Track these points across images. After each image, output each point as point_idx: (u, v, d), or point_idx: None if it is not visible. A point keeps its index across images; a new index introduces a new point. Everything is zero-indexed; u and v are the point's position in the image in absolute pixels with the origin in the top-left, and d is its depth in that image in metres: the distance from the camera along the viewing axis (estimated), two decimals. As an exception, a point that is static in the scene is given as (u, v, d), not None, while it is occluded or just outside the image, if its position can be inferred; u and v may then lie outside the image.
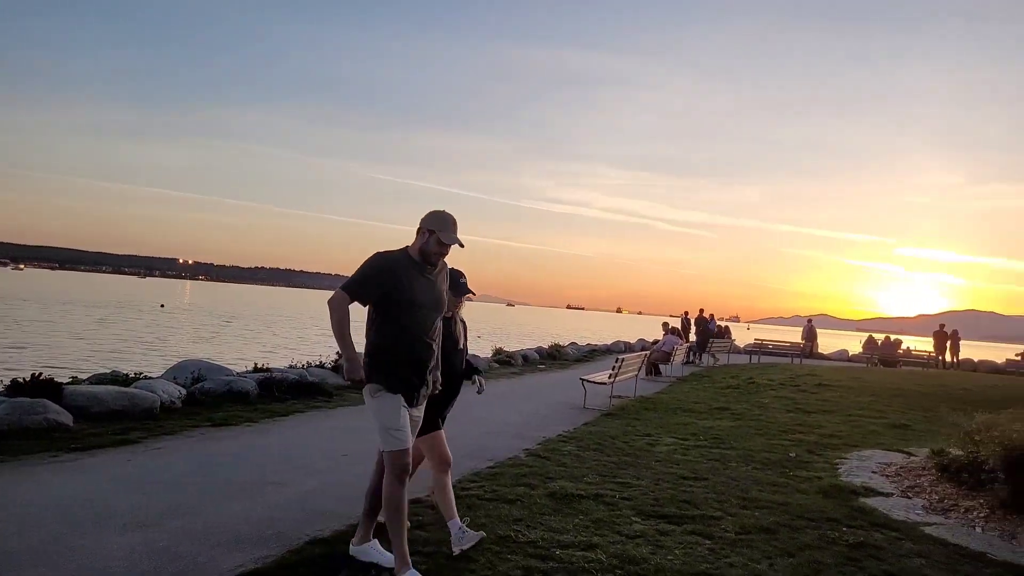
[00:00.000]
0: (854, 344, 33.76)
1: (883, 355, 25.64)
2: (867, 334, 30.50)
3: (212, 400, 8.46)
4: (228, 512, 4.49)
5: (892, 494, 6.01)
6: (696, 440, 8.07)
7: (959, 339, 27.08)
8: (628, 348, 26.04)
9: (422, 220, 3.59)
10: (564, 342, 23.89)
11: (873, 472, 6.83)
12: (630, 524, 4.63)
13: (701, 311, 24.74)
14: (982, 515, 5.29)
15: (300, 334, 33.99)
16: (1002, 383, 17.81)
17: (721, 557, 4.10)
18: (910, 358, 26.51)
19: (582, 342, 27.09)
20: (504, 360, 16.92)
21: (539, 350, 20.12)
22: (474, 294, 4.26)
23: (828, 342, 37.78)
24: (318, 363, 11.61)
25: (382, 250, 3.58)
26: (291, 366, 11.26)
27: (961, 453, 6.13)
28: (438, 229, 3.52)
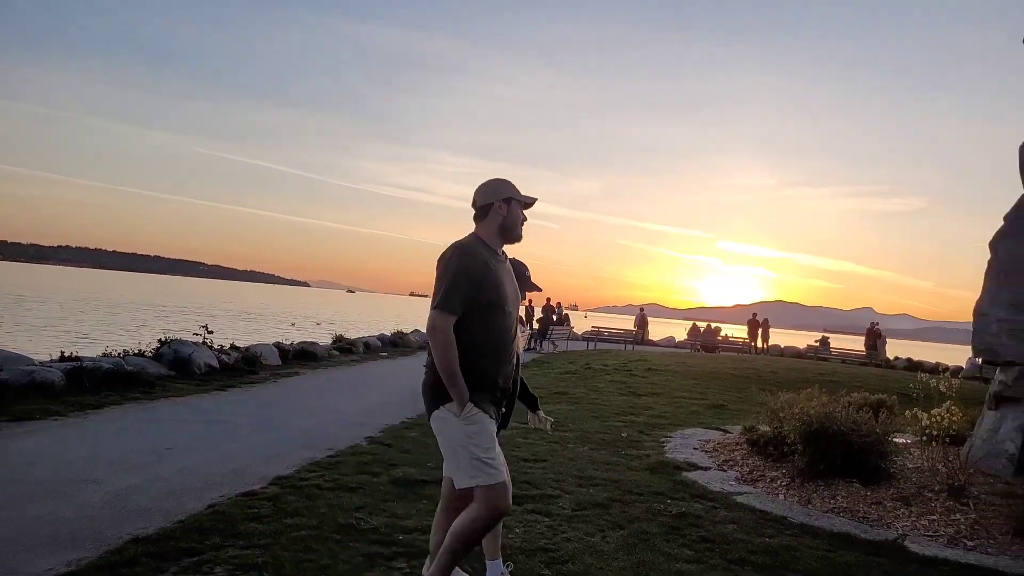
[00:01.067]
0: (680, 331, 36.60)
1: (704, 342, 28.09)
2: (691, 322, 33.21)
3: (11, 393, 7.54)
4: (38, 512, 4.06)
5: (710, 468, 6.64)
6: (536, 424, 8.40)
7: (769, 327, 30.27)
8: (472, 335, 26.47)
9: (488, 194, 3.06)
10: (407, 329, 23.80)
11: (694, 448, 7.51)
12: (473, 507, 4.76)
13: (548, 300, 25.69)
14: (784, 484, 6.01)
15: (114, 320, 31.02)
16: (803, 366, 20.16)
17: (559, 533, 4.33)
18: (728, 344, 29.27)
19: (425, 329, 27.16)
20: (345, 348, 16.56)
21: (382, 337, 19.90)
22: (540, 289, 3.68)
23: (657, 329, 40.67)
24: (137, 351, 10.70)
25: (456, 241, 3.04)
26: (105, 354, 10.29)
27: (768, 429, 6.91)
28: (514, 194, 3.05)
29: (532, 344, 22.69)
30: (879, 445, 5.92)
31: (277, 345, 13.81)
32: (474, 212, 3.12)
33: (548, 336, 23.07)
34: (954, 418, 6.56)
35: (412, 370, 13.23)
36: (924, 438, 6.95)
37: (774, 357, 26.99)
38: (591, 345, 25.07)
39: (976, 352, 6.84)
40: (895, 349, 40.27)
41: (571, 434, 7.87)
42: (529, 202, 3.11)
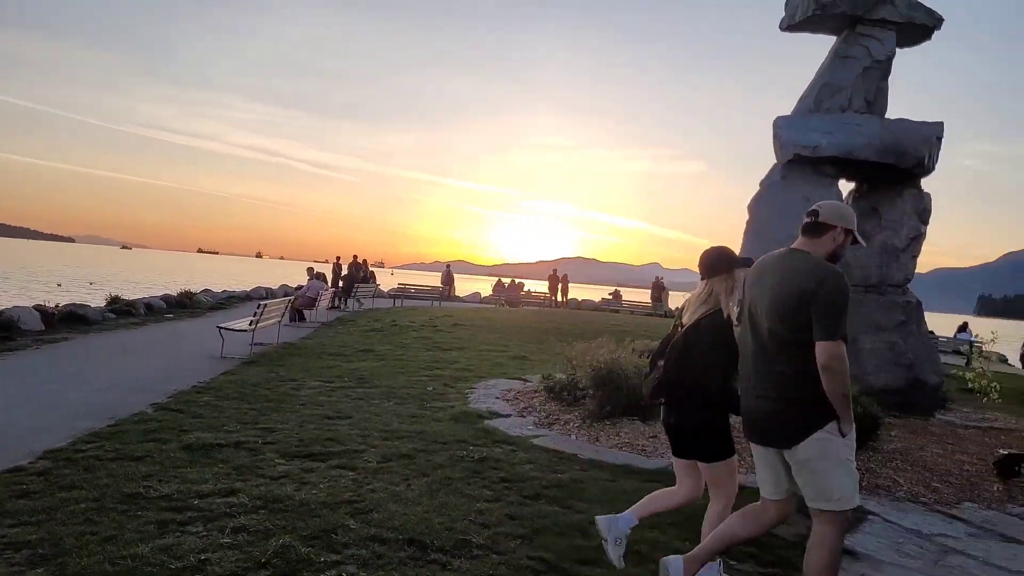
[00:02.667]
0: (485, 287, 37.78)
1: (508, 297, 29.28)
2: (496, 278, 34.38)
3: None
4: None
5: (510, 415, 7.10)
6: (341, 381, 8.39)
7: (568, 282, 32.24)
8: (270, 294, 25.32)
9: (835, 215, 2.95)
10: (196, 289, 22.19)
11: (496, 398, 7.95)
12: (274, 467, 4.73)
13: (355, 257, 25.18)
14: (577, 425, 6.60)
15: None
16: (597, 318, 21.82)
17: (364, 485, 4.45)
18: (530, 299, 30.76)
19: (217, 288, 25.47)
20: (123, 310, 15.10)
21: (166, 298, 18.39)
22: None
23: (464, 286, 41.64)
24: None
25: (826, 264, 2.90)
26: None
27: (564, 377, 7.50)
28: (854, 228, 2.97)
29: (337, 303, 22.25)
30: (656, 385, 6.69)
31: (38, 308, 12.28)
32: (806, 221, 3.02)
33: (353, 294, 22.74)
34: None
35: (202, 332, 12.46)
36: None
37: (572, 310, 28.87)
38: (398, 302, 25.12)
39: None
40: (677, 300, 44.84)
41: (377, 390, 7.96)
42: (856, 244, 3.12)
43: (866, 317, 7.97)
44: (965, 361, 16.63)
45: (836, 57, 8.18)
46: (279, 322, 12.55)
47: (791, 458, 2.94)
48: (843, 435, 2.85)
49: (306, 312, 17.21)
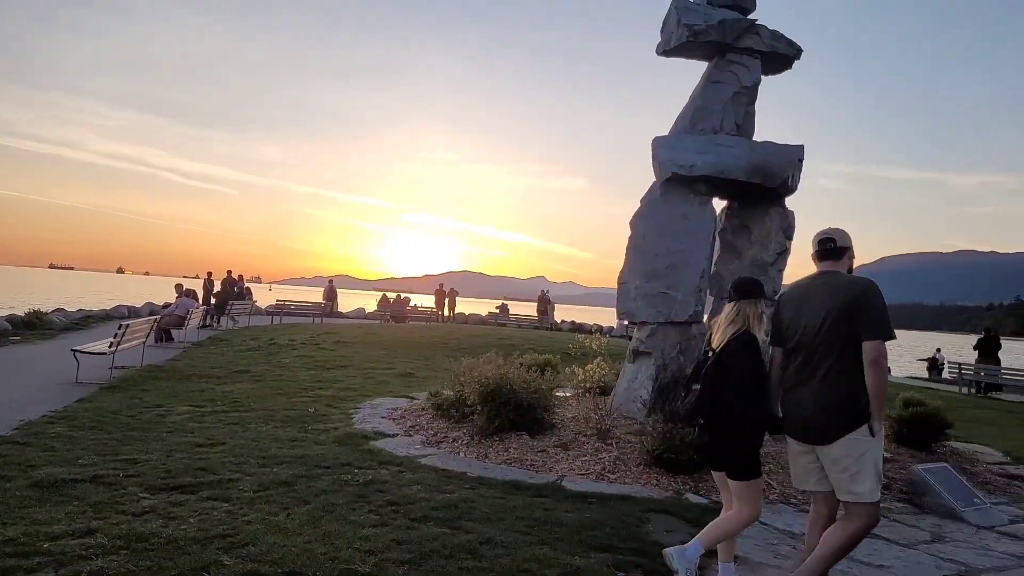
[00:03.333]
0: (370, 302, 37.07)
1: (394, 312, 28.85)
2: (381, 293, 33.84)
3: None
4: None
5: (397, 434, 6.96)
6: (213, 406, 7.93)
7: (455, 296, 32.21)
8: (133, 313, 23.67)
9: (847, 239, 3.61)
10: (48, 308, 20.39)
11: (383, 417, 7.78)
12: (137, 502, 4.38)
13: (229, 272, 23.97)
14: (465, 442, 6.56)
15: None
16: (485, 332, 21.89)
17: (239, 517, 4.21)
18: (417, 314, 30.45)
19: (72, 307, 23.54)
20: (-43, 331, 13.63)
21: (12, 318, 16.77)
22: None
23: (347, 301, 40.69)
24: None
25: (860, 276, 3.52)
26: None
27: (451, 393, 7.44)
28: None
29: (209, 321, 21.10)
30: (544, 400, 6.78)
31: None
32: (826, 247, 3.60)
33: (227, 312, 21.64)
34: (603, 372, 7.79)
35: (54, 356, 11.44)
36: (581, 391, 8.13)
37: (459, 325, 28.84)
38: (276, 320, 24.15)
39: (619, 315, 8.15)
40: (563, 313, 45.78)
41: (253, 413, 7.59)
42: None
43: (739, 328, 8.45)
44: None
45: (708, 82, 8.65)
46: (143, 343, 11.74)
47: (825, 454, 3.40)
48: (873, 434, 3.31)
49: (174, 332, 16.21)
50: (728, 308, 3.66)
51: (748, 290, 3.64)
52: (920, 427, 7.50)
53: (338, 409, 8.18)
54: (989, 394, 18.88)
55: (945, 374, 25.41)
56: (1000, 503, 6.14)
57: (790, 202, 8.90)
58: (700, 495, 5.50)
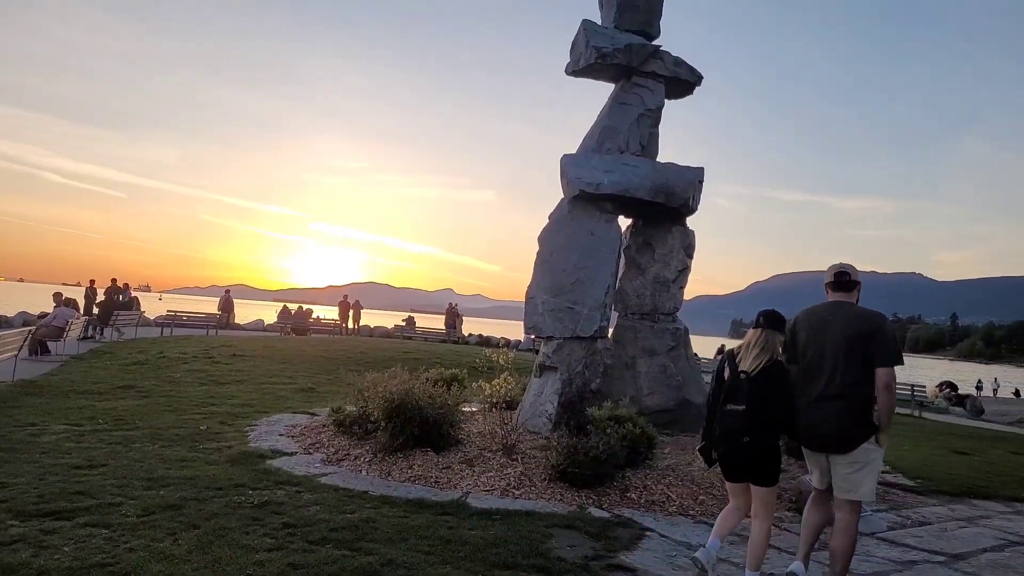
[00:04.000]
0: (270, 314, 35.84)
1: (295, 324, 28.02)
2: (282, 304, 32.79)
3: None
4: None
5: (296, 453, 6.73)
6: (94, 424, 7.44)
7: (360, 308, 31.61)
8: (5, 323, 21.92)
9: (855, 274, 4.20)
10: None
11: (280, 435, 7.51)
12: (6, 530, 4.04)
13: (114, 280, 22.59)
14: (367, 460, 6.42)
15: None
16: (391, 346, 21.59)
17: (120, 544, 3.95)
18: (319, 326, 29.69)
19: (-68, 315, 21.57)
20: None
21: None
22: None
23: (245, 312, 39.19)
24: None
25: (873, 310, 4.09)
26: None
27: (354, 409, 7.28)
28: None
29: (91, 332, 19.80)
30: (450, 415, 6.73)
31: None
32: (842, 279, 4.18)
33: (112, 323, 20.37)
34: (509, 387, 7.82)
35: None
36: (487, 405, 8.13)
37: (364, 338, 28.32)
38: (167, 331, 22.95)
39: (527, 329, 8.24)
40: (471, 326, 45.79)
41: (139, 432, 7.16)
42: None
43: (642, 343, 8.70)
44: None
45: (615, 103, 8.94)
46: (15, 356, 10.89)
47: (837, 461, 4.01)
48: (880, 445, 3.93)
49: (51, 344, 15.12)
50: (756, 335, 4.08)
51: (775, 322, 4.13)
52: (807, 438, 7.92)
53: (232, 427, 7.84)
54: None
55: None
56: (880, 510, 6.55)
57: (691, 221, 9.28)
58: (603, 509, 5.59)
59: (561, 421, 7.22)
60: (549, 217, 8.31)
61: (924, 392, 19.45)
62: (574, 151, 8.80)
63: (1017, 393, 45.91)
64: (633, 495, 5.92)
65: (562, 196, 8.45)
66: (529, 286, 8.04)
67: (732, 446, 4.00)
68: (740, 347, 4.15)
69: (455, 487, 5.81)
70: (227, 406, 9.17)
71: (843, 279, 4.17)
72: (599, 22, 9.23)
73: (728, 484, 4.30)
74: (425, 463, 6.28)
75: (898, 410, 19.17)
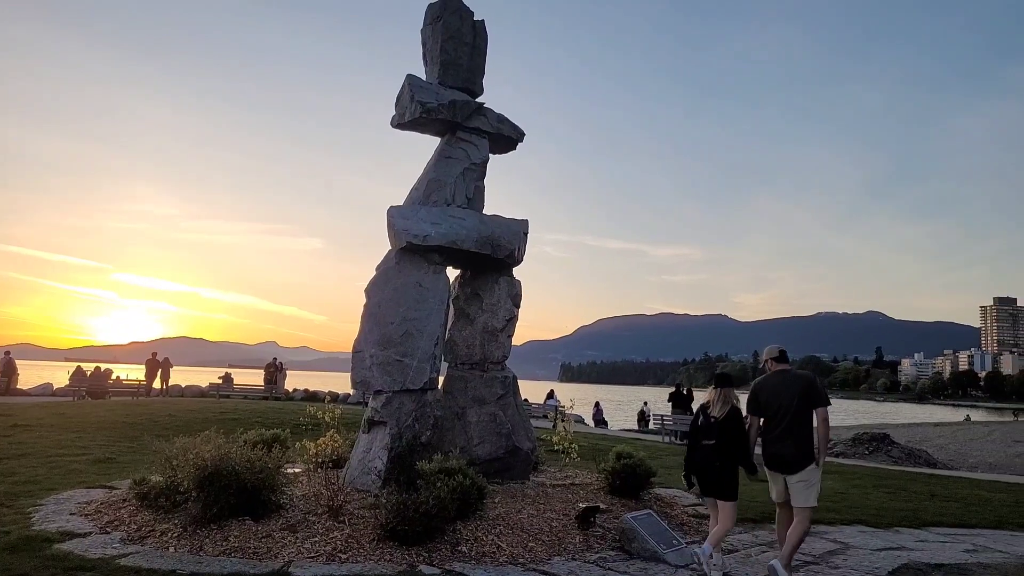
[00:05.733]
0: (62, 376, 32.17)
1: (91, 387, 25.34)
2: (76, 364, 29.57)
3: None
4: None
5: (91, 533, 6.07)
6: None
7: (170, 366, 29.23)
8: None
9: (786, 352, 6.13)
10: None
11: (72, 514, 6.74)
12: None
13: None
14: (176, 535, 5.93)
15: None
16: (205, 406, 20.13)
17: None
18: (120, 388, 27.01)
19: None
20: None
21: None
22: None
23: (31, 375, 34.85)
24: None
25: (808, 372, 6.14)
26: None
27: (160, 479, 6.70)
28: None
29: None
30: (271, 480, 6.40)
31: None
32: (782, 355, 6.05)
33: None
34: (336, 444, 7.60)
35: None
36: (312, 466, 7.83)
37: (174, 399, 26.20)
38: (-73, 400, 19.86)
39: (354, 384, 8.08)
40: (296, 380, 43.82)
41: None
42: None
43: (472, 392, 8.82)
44: (552, 425, 19.35)
45: (441, 157, 9.18)
46: None
47: (792, 479, 5.66)
48: (818, 466, 5.64)
49: None
50: (718, 392, 5.96)
51: (729, 381, 6.08)
52: (630, 477, 8.36)
53: (12, 508, 6.92)
54: (685, 441, 21.76)
55: (651, 425, 28.79)
56: (694, 541, 7.05)
57: (518, 269, 9.65)
58: (433, 565, 5.56)
59: (391, 477, 7.11)
60: (376, 268, 8.29)
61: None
62: (401, 202, 8.90)
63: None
64: (464, 548, 5.94)
65: (389, 247, 8.48)
66: (356, 339, 7.92)
67: (706, 469, 5.83)
68: (708, 401, 6.00)
69: (276, 557, 5.52)
70: (6, 484, 8.09)
71: (783, 355, 6.07)
72: (424, 77, 9.50)
73: (706, 499, 6.03)
74: (243, 533, 5.90)
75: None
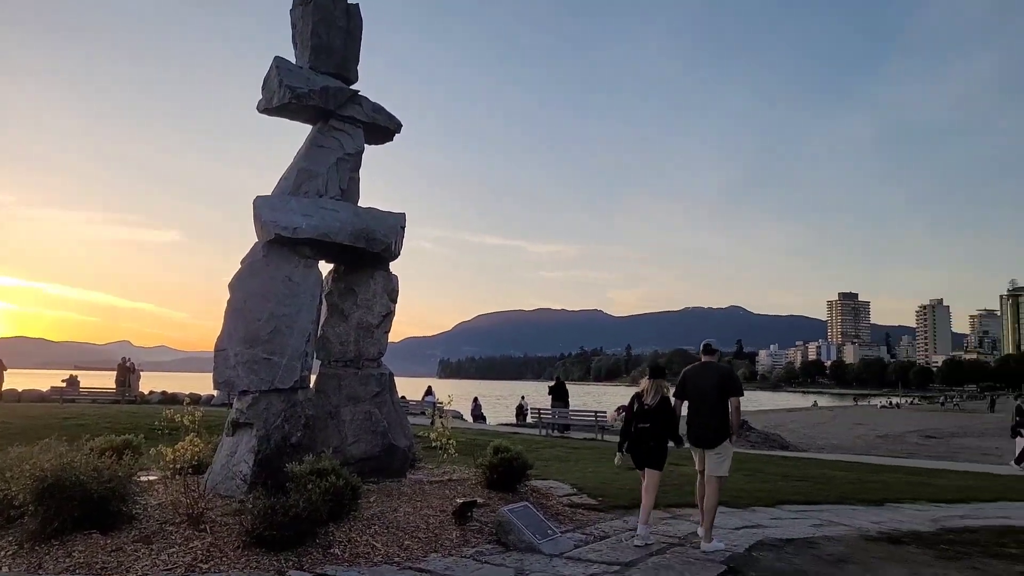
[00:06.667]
0: None
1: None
2: None
3: None
4: None
5: (-95, 558, 5.41)
6: None
7: (4, 368, 26.64)
8: None
9: (717, 346, 7.40)
10: None
11: None
12: None
13: None
14: (10, 553, 5.39)
15: None
16: (46, 412, 18.48)
17: None
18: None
19: None
20: None
21: None
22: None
23: None
24: None
25: (728, 366, 8.25)
26: None
27: (-9, 493, 6.07)
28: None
29: None
30: (121, 489, 5.94)
31: None
32: (709, 348, 7.20)
33: None
34: (197, 449, 7.17)
35: None
36: (170, 473, 7.35)
37: (9, 404, 23.87)
38: None
39: (216, 384, 7.66)
40: (153, 382, 41.15)
41: None
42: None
43: (346, 390, 8.60)
44: (431, 421, 19.25)
45: (313, 145, 8.85)
46: None
47: (709, 453, 6.84)
48: (731, 442, 6.86)
49: None
50: (651, 383, 6.99)
51: (661, 373, 7.16)
52: (507, 471, 8.45)
53: None
54: (563, 434, 22.26)
55: (529, 419, 29.29)
56: (568, 531, 7.24)
57: (396, 264, 9.49)
58: (304, 570, 5.38)
59: (258, 481, 6.80)
60: (242, 262, 7.90)
61: (605, 416, 21.95)
62: (269, 192, 8.53)
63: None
64: (337, 550, 5.79)
65: (256, 240, 8.09)
66: (220, 337, 7.51)
67: (641, 448, 6.93)
68: (643, 390, 7.00)
69: (127, 571, 5.14)
70: None
71: (710, 348, 7.20)
72: (294, 61, 9.13)
73: (639, 471, 7.03)
74: (89, 548, 5.45)
75: (584, 435, 21.44)
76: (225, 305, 7.58)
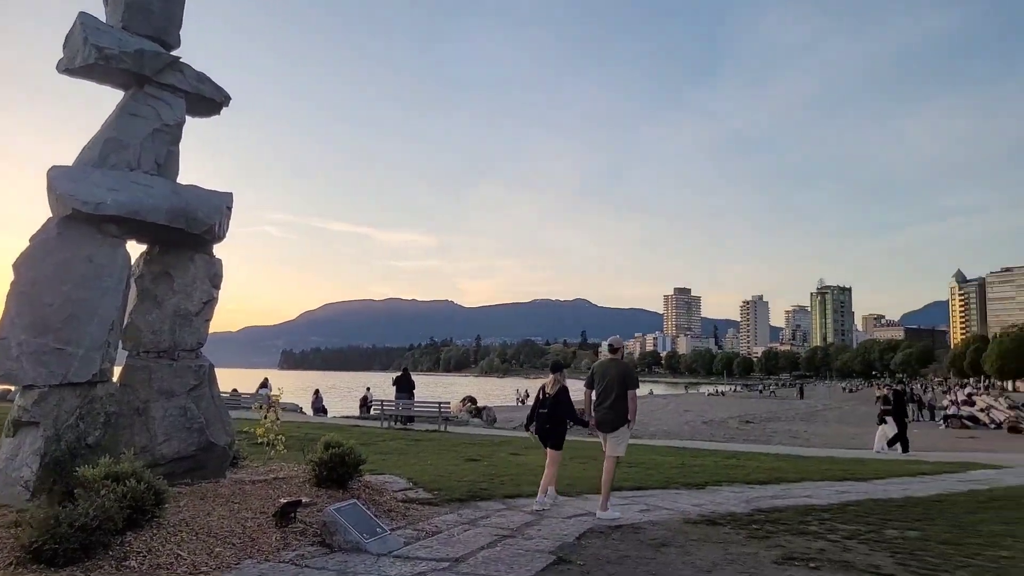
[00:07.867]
0: None
1: None
2: None
3: None
4: None
5: None
6: None
7: None
8: None
9: (620, 344, 8.58)
10: None
11: None
12: None
13: None
14: None
15: None
16: None
17: None
18: None
19: None
20: None
21: None
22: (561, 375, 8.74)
23: None
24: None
25: (624, 360, 8.69)
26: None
27: None
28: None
29: None
30: None
31: None
32: (613, 348, 8.40)
33: None
34: (-31, 453, 6.26)
35: None
36: (-65, 481, 6.36)
37: None
38: None
39: (-5, 378, 6.71)
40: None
41: None
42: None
43: (157, 384, 7.82)
44: (264, 416, 18.25)
45: (124, 113, 7.96)
46: None
47: (610, 436, 7.94)
48: (629, 428, 7.97)
49: None
50: (554, 377, 8.45)
51: (560, 368, 8.77)
52: (338, 467, 8.04)
53: None
54: (407, 426, 21.95)
55: (373, 411, 28.71)
56: (399, 527, 7.00)
57: (231, 250, 8.77)
58: (92, 588, 4.79)
59: (44, 487, 6.02)
60: (31, 240, 6.96)
61: (449, 408, 21.92)
62: (70, 163, 7.59)
63: (523, 400, 55.31)
64: (134, 562, 5.21)
65: (49, 215, 7.17)
66: (0, 325, 6.57)
67: (543, 430, 8.34)
68: (546, 383, 8.47)
69: None
70: None
71: (614, 347, 8.36)
72: (104, 20, 8.18)
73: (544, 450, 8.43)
74: None
75: (426, 426, 21.27)
76: (8, 288, 6.64)
